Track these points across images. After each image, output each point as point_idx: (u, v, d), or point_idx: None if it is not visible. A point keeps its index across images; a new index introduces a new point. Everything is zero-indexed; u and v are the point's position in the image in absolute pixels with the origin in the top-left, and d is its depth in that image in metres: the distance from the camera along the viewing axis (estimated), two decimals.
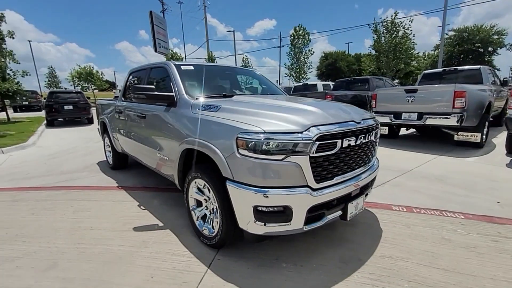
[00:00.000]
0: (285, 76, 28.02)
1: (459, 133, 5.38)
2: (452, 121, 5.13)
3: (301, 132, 1.72)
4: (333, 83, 10.81)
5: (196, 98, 2.52)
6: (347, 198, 2.04)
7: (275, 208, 1.75)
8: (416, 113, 5.63)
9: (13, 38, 8.68)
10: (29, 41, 40.73)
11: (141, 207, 3.09)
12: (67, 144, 7.52)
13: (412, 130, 7.64)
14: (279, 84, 29.94)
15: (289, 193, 1.72)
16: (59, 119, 12.01)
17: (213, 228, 2.16)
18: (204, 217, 2.30)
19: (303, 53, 23.20)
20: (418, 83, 7.99)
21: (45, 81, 43.05)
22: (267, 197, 1.70)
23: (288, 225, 1.78)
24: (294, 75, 23.89)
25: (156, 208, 3.04)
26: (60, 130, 10.53)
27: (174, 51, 24.49)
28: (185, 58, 30.65)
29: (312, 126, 1.76)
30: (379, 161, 2.56)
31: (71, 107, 11.46)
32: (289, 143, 1.69)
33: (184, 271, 1.94)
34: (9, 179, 4.37)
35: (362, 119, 2.11)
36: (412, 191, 3.40)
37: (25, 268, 2.02)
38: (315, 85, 12.82)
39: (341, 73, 38.58)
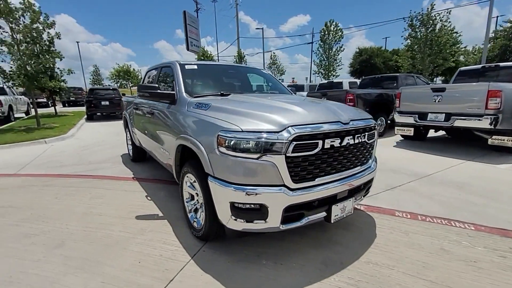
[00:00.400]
0: (314, 73, 27.27)
1: (494, 136, 4.86)
2: (485, 123, 4.66)
3: (278, 132, 1.73)
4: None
5: (194, 97, 2.64)
6: (332, 200, 2.00)
7: (251, 206, 1.79)
8: (444, 114, 5.21)
9: (60, 39, 9.56)
10: (77, 42, 44.94)
11: (148, 197, 3.31)
12: (100, 136, 8.22)
13: (442, 132, 7.06)
14: (310, 82, 29.30)
15: (265, 192, 1.75)
16: (98, 113, 13.12)
17: (201, 221, 2.26)
18: (196, 210, 2.40)
19: (333, 49, 22.33)
20: (453, 81, 7.33)
21: (90, 79, 47.13)
22: (245, 194, 1.75)
23: (264, 223, 1.81)
24: (323, 72, 23.12)
25: (161, 200, 3.24)
26: (97, 124, 11.51)
27: (205, 49, 25.13)
28: (218, 56, 31.35)
29: (290, 126, 1.76)
30: (377, 164, 2.45)
31: (107, 102, 12.47)
32: (264, 143, 1.71)
33: (169, 259, 2.06)
34: (46, 167, 4.93)
35: (352, 120, 2.04)
36: (424, 197, 3.19)
37: (38, 244, 2.31)
38: (341, 82, 12.41)
39: (377, 70, 36.36)
